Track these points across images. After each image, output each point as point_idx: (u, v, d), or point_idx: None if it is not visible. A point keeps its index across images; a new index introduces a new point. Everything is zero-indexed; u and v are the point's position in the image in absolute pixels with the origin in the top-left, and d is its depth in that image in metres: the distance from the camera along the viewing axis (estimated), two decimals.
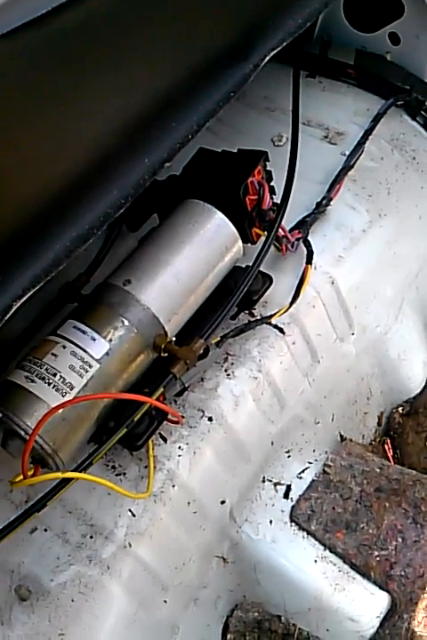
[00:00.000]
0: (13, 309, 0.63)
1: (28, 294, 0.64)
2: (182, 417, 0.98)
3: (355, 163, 1.24)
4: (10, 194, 0.64)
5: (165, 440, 0.97)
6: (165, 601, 0.96)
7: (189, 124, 0.76)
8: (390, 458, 1.21)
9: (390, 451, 1.22)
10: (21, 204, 0.66)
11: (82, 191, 0.69)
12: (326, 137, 1.32)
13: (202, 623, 1.02)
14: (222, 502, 1.01)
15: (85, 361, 0.87)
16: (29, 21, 0.62)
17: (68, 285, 1.03)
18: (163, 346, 0.93)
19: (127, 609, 0.92)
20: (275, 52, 0.84)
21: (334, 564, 0.98)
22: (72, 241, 0.67)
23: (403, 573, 0.97)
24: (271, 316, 1.05)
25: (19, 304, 0.63)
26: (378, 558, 0.98)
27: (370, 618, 0.96)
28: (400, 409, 1.25)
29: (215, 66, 0.80)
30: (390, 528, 1.00)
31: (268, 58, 0.83)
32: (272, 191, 1.07)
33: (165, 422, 0.95)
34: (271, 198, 1.06)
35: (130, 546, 0.92)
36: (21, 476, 0.82)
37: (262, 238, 1.07)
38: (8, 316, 0.63)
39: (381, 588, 0.97)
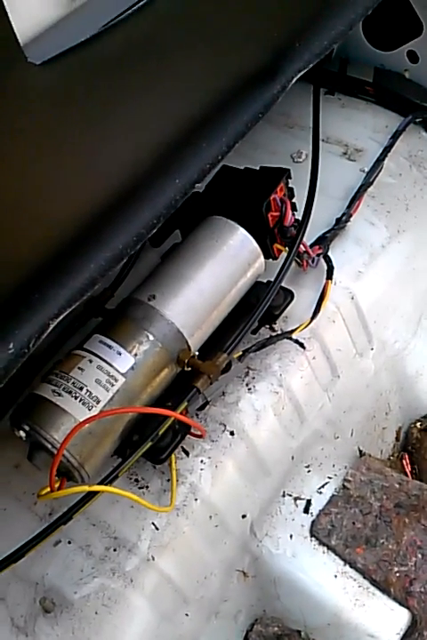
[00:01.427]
0: (50, 328, 0.64)
1: (65, 314, 0.65)
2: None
3: (374, 179, 1.25)
4: (47, 216, 0.65)
5: (187, 454, 0.98)
6: (187, 614, 0.97)
7: (219, 145, 0.77)
8: (409, 473, 1.21)
9: (409, 466, 1.22)
10: (58, 225, 0.67)
11: (115, 212, 0.70)
12: (345, 153, 1.33)
13: (222, 637, 1.02)
14: (243, 516, 1.01)
15: (111, 375, 0.88)
16: (67, 49, 0.63)
17: (92, 300, 1.04)
18: (186, 360, 0.94)
19: (150, 622, 0.93)
20: (302, 73, 0.85)
21: (354, 580, 0.98)
22: (106, 261, 0.68)
23: (423, 590, 0.97)
24: (292, 330, 1.06)
25: (55, 323, 0.64)
26: (398, 574, 0.98)
27: (390, 634, 0.95)
28: (418, 424, 1.25)
29: (245, 88, 0.81)
30: (409, 544, 1.00)
31: (295, 79, 0.84)
32: (294, 207, 1.08)
33: (187, 436, 0.96)
34: (293, 214, 1.07)
35: (153, 559, 0.92)
36: (48, 489, 0.83)
37: (284, 254, 1.08)
38: (45, 334, 0.64)
39: (401, 604, 0.96)
